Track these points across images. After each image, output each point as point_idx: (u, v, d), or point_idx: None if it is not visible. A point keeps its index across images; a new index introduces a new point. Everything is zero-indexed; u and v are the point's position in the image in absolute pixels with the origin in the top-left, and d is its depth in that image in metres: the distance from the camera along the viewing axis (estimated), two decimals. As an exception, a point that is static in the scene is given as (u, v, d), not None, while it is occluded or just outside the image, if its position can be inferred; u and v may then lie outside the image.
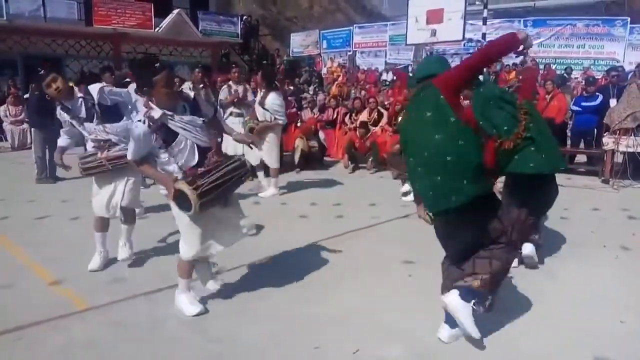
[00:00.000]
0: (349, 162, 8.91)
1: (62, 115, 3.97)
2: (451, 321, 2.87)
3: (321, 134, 9.72)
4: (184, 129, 3.04)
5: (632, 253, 4.48)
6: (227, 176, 3.08)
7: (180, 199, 2.96)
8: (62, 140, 4.13)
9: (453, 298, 2.80)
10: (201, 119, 3.12)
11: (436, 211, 2.79)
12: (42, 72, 7.61)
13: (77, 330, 3.05)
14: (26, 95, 13.01)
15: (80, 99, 3.89)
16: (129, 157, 3.11)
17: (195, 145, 3.08)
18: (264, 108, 6.71)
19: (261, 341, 2.94)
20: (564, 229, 5.11)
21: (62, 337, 2.96)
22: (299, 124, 10.15)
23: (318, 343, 2.89)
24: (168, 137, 3.01)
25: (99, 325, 3.12)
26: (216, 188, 2.99)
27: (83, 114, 3.88)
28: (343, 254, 4.43)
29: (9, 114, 11.90)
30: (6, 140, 11.87)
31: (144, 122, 2.96)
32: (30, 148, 11.62)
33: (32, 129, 8.37)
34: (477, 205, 2.65)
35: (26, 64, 15.97)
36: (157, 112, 2.97)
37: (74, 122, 3.94)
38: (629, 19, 15.21)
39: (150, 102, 3.00)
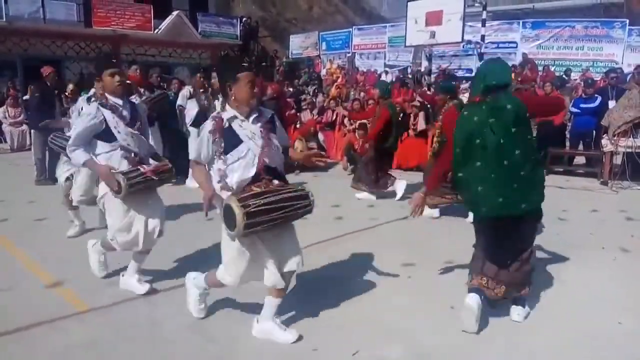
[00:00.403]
0: (348, 164, 8.94)
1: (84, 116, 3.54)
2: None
3: (320, 136, 9.73)
4: (250, 139, 2.76)
5: (630, 255, 4.50)
6: (283, 203, 2.68)
7: (226, 215, 2.68)
8: (81, 155, 3.32)
9: (474, 301, 3.02)
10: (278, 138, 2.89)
11: (498, 215, 3.00)
12: (48, 74, 7.63)
13: (76, 332, 3.05)
14: (25, 97, 13.05)
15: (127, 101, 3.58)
16: (191, 155, 2.91)
17: (257, 160, 2.76)
18: None
19: (260, 342, 2.94)
20: (562, 231, 5.13)
21: (62, 338, 2.96)
22: (298, 126, 10.17)
23: (317, 344, 2.90)
24: (230, 142, 2.74)
25: (98, 326, 3.12)
26: (267, 213, 2.61)
27: (127, 116, 3.45)
28: (342, 255, 4.44)
29: (8, 115, 11.92)
30: (5, 141, 11.90)
31: (212, 120, 2.79)
32: (30, 150, 11.67)
33: (32, 131, 8.37)
34: (531, 214, 3.04)
35: (25, 65, 15.97)
36: (227, 113, 2.81)
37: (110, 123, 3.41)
38: (627, 21, 15.23)
39: (227, 103, 2.87)
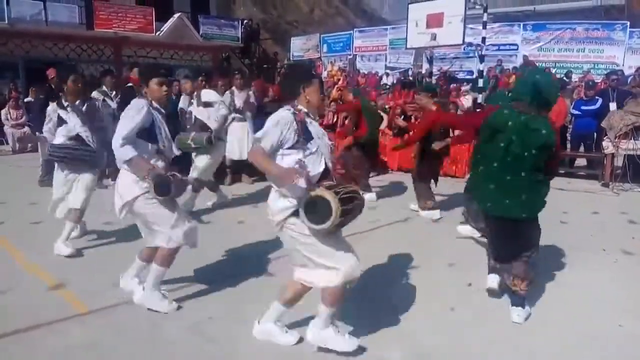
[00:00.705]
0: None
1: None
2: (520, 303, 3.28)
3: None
4: (318, 137, 2.83)
5: (631, 257, 4.49)
6: (354, 196, 2.71)
7: (312, 208, 2.57)
8: (129, 151, 3.18)
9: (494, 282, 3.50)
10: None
11: (501, 215, 3.30)
12: (52, 77, 7.62)
13: (76, 333, 3.05)
14: (27, 99, 13.08)
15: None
16: (262, 144, 2.73)
17: (323, 159, 2.81)
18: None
19: (260, 343, 2.94)
20: (563, 233, 5.12)
21: (62, 340, 2.96)
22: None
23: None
24: (304, 136, 2.75)
25: (98, 327, 3.12)
26: (350, 201, 2.62)
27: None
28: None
29: (10, 117, 11.93)
30: (7, 143, 11.91)
31: (291, 112, 2.77)
32: (31, 151, 11.70)
33: (37, 133, 8.32)
34: (533, 218, 3.34)
35: (27, 67, 16.01)
36: (302, 109, 2.83)
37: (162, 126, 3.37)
38: (628, 23, 15.24)
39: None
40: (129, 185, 3.26)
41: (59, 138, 4.59)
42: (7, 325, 3.10)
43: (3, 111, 12.03)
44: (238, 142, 7.56)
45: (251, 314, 3.28)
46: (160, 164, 3.35)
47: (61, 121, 4.59)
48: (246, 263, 4.23)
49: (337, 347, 2.78)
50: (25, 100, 13.14)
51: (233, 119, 7.55)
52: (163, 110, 3.45)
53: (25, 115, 12.22)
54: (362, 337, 2.99)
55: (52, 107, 4.77)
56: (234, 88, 7.65)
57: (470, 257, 4.34)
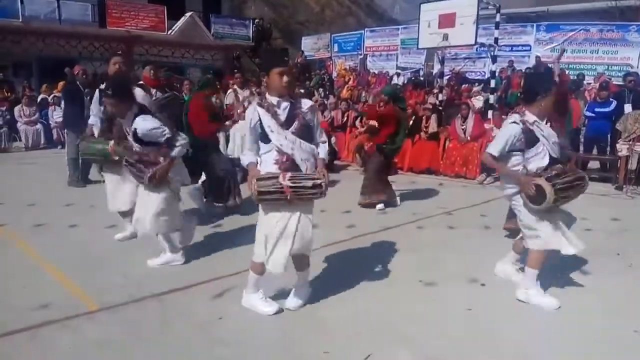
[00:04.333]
0: (360, 160, 8.83)
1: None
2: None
3: (332, 138, 9.72)
4: (544, 137, 3.40)
5: (646, 261, 4.42)
6: (574, 182, 3.44)
7: (534, 194, 3.33)
8: (245, 159, 3.27)
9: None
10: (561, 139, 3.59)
11: None
12: (77, 72, 7.69)
13: (89, 331, 3.06)
14: (42, 96, 13.20)
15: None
16: (491, 150, 3.49)
17: (548, 154, 3.43)
18: None
19: (270, 345, 2.94)
20: (577, 236, 5.05)
21: (74, 337, 2.98)
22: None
23: (327, 347, 2.88)
24: (530, 141, 3.41)
25: (109, 325, 3.14)
26: (568, 189, 3.40)
27: (282, 116, 3.18)
28: (353, 259, 4.42)
29: (23, 114, 12.06)
30: (20, 140, 12.03)
31: (519, 123, 3.40)
32: (44, 148, 11.83)
33: (66, 130, 8.30)
34: None
35: (40, 65, 16.19)
36: (531, 117, 3.40)
37: (271, 127, 3.14)
38: (643, 25, 15.03)
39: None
40: None
41: None
42: (21, 322, 3.12)
43: (17, 108, 12.15)
44: (241, 141, 7.57)
45: (261, 315, 3.29)
46: (274, 165, 3.18)
47: None
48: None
49: (540, 303, 3.45)
50: (40, 97, 13.29)
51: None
52: (275, 101, 3.18)
53: (38, 112, 12.36)
54: (373, 341, 2.98)
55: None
56: (235, 87, 7.71)
57: (480, 260, 4.31)
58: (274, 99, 3.17)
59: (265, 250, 3.14)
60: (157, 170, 3.89)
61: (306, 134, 3.21)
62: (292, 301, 3.39)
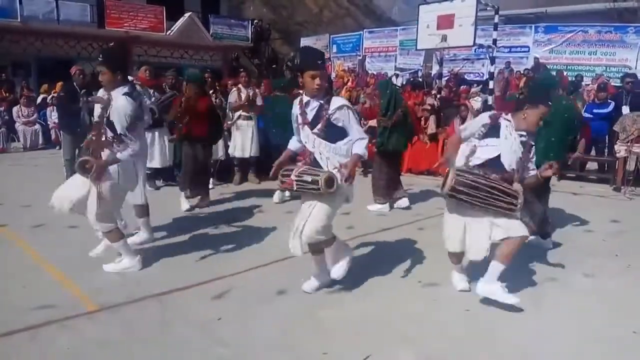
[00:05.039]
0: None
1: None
2: None
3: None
4: (507, 140, 3.41)
5: (644, 262, 4.43)
6: (496, 193, 3.27)
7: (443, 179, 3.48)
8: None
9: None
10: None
11: None
12: (74, 73, 7.64)
13: (88, 331, 3.06)
14: (43, 96, 13.18)
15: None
16: (461, 130, 3.63)
17: (499, 154, 3.40)
18: None
19: (269, 345, 2.94)
20: (575, 237, 5.08)
21: (74, 338, 2.97)
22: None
23: (327, 348, 2.89)
24: (491, 132, 3.44)
25: (109, 326, 3.14)
26: (481, 191, 3.27)
27: (309, 116, 3.40)
28: (353, 261, 4.42)
29: (22, 114, 12.05)
30: (18, 140, 12.02)
31: (492, 115, 3.50)
32: (43, 149, 11.81)
33: (61, 131, 8.29)
34: None
35: (39, 65, 16.17)
36: (509, 117, 3.51)
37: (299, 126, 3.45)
38: (642, 26, 15.07)
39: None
40: None
41: None
42: (21, 322, 3.12)
43: (15, 108, 12.14)
44: (242, 141, 7.57)
45: (261, 315, 3.29)
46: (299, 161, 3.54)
47: None
48: (255, 264, 4.23)
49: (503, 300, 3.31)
50: (39, 97, 13.27)
51: (239, 116, 7.59)
52: (306, 100, 3.44)
53: (37, 112, 12.35)
54: (372, 341, 2.98)
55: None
56: (240, 86, 7.69)
57: (480, 261, 4.31)
58: (305, 98, 3.40)
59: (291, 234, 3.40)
60: (95, 164, 3.64)
61: (332, 134, 3.36)
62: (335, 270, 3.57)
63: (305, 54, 3.70)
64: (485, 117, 3.50)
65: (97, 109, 3.93)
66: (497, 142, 3.40)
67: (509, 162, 3.38)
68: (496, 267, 3.34)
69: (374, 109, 6.66)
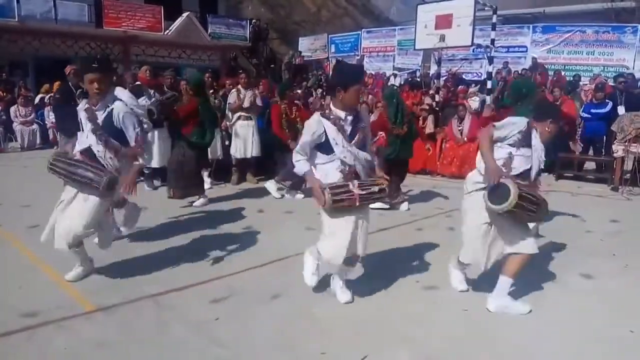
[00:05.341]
0: None
1: None
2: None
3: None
4: (535, 146, 3.35)
5: (642, 262, 4.44)
6: (536, 202, 3.29)
7: (497, 190, 3.21)
8: (304, 166, 3.32)
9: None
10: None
11: None
12: (69, 72, 7.59)
13: (86, 332, 3.05)
14: (40, 95, 13.14)
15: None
16: (493, 130, 3.32)
17: (531, 164, 3.36)
18: None
19: (267, 346, 2.92)
20: (574, 237, 5.07)
21: (72, 338, 2.96)
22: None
23: (325, 348, 2.88)
24: (525, 141, 3.31)
25: (106, 327, 3.12)
26: (531, 203, 3.24)
27: (348, 129, 3.37)
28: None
29: (19, 114, 12.01)
30: (16, 140, 11.98)
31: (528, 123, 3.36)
32: (40, 149, 11.77)
33: (59, 133, 8.24)
34: None
35: (36, 65, 16.12)
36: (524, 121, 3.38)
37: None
38: (639, 26, 15.10)
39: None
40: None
41: None
42: (18, 323, 3.11)
43: (12, 108, 12.10)
44: (243, 141, 7.56)
45: (258, 316, 3.28)
46: (339, 174, 3.33)
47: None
48: (253, 264, 4.22)
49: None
50: (37, 97, 13.22)
51: (239, 117, 7.57)
52: (342, 115, 3.31)
53: (34, 112, 12.31)
54: (370, 342, 2.97)
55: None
56: (239, 86, 7.67)
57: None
58: (341, 113, 3.30)
59: (331, 244, 3.31)
60: (128, 181, 3.58)
61: (364, 144, 3.42)
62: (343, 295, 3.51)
63: (350, 67, 3.70)
64: (524, 123, 3.33)
65: (87, 124, 3.65)
66: (530, 153, 3.35)
67: (535, 172, 3.39)
68: (506, 282, 3.36)
69: (381, 120, 6.58)
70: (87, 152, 3.63)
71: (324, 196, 3.16)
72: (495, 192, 3.17)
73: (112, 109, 3.60)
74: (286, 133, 6.96)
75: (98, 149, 3.61)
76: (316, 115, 3.34)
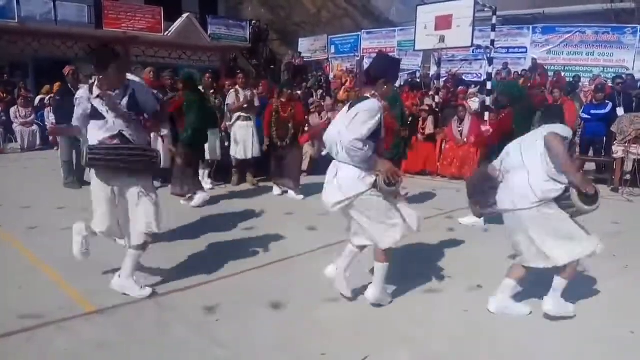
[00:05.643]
0: None
1: None
2: None
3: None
4: None
5: (642, 263, 4.44)
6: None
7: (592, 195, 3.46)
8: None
9: None
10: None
11: None
12: (67, 73, 7.58)
13: (86, 332, 3.05)
14: (41, 96, 13.13)
15: None
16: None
17: None
18: None
19: (267, 346, 2.93)
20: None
21: (72, 339, 2.96)
22: (306, 129, 10.13)
23: (325, 349, 2.88)
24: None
25: (106, 327, 3.12)
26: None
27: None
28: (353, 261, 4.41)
29: (19, 115, 12.01)
30: (16, 141, 11.98)
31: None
32: (40, 149, 11.77)
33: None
34: None
35: (36, 66, 16.12)
36: None
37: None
38: (639, 27, 15.12)
39: None
40: (353, 182, 3.27)
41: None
42: (18, 324, 3.11)
43: (12, 109, 12.10)
44: (243, 142, 7.55)
45: (258, 316, 3.28)
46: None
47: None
48: (253, 265, 4.22)
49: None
50: (37, 98, 13.22)
51: (238, 117, 7.57)
52: None
53: (34, 113, 12.31)
54: (371, 342, 2.97)
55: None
56: (238, 87, 7.68)
57: (480, 262, 4.32)
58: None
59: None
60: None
61: None
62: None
63: (394, 62, 3.76)
64: (567, 131, 3.48)
65: (109, 112, 3.52)
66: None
67: None
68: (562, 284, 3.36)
69: (387, 121, 6.53)
70: (118, 137, 3.52)
71: (399, 176, 3.28)
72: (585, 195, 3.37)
73: (133, 89, 3.56)
74: (271, 130, 6.94)
75: (130, 132, 3.53)
76: (377, 102, 3.31)
